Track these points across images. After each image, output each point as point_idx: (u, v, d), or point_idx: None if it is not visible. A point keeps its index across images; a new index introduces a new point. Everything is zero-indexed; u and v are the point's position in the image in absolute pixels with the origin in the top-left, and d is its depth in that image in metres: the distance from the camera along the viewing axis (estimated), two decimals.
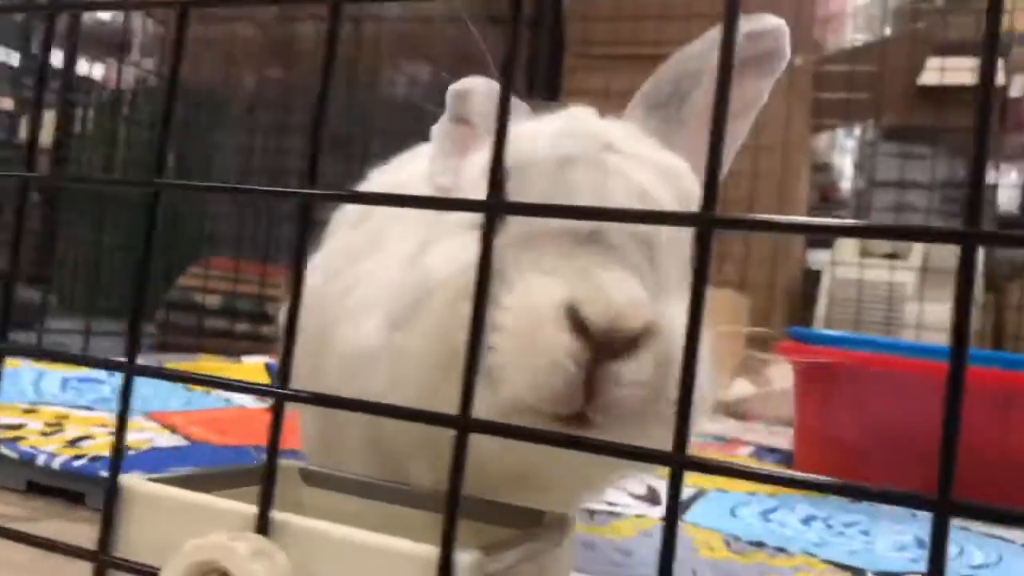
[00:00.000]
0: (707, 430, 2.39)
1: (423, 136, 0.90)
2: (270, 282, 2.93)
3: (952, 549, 1.34)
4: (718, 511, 1.41)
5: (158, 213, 0.58)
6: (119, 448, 0.60)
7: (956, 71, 3.90)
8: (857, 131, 4.58)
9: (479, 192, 0.74)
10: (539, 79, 3.92)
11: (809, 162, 4.07)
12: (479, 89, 0.82)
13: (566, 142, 0.69)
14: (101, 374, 1.87)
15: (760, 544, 1.23)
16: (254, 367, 2.43)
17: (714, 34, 0.78)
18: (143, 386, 1.82)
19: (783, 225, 0.45)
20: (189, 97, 3.46)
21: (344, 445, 0.92)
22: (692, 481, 1.55)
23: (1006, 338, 3.44)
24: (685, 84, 0.80)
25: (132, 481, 0.62)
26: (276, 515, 0.59)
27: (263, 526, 0.58)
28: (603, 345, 0.56)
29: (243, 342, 2.80)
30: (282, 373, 0.54)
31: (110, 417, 1.53)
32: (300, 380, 1.05)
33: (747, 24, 0.77)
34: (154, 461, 1.30)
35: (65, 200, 3.12)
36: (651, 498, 1.43)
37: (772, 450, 2.12)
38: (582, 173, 0.67)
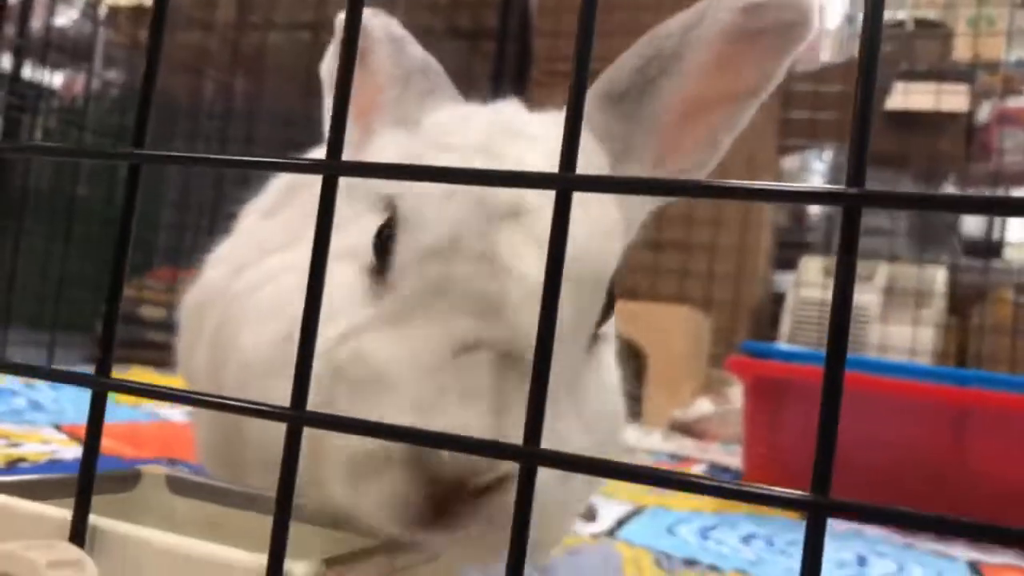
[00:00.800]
0: (662, 448, 2.33)
1: None
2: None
3: (889, 567, 1.29)
4: (654, 528, 1.35)
5: (137, 190, 0.50)
6: None
7: (921, 95, 3.90)
8: (827, 154, 4.58)
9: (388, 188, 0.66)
10: (504, 94, 3.87)
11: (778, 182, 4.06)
12: (377, 28, 0.76)
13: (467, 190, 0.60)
14: (16, 384, 1.78)
15: (693, 562, 1.16)
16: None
17: (701, 6, 0.70)
18: (60, 398, 1.74)
19: (936, 201, 0.37)
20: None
21: (243, 458, 0.84)
22: (630, 497, 1.49)
23: (969, 359, 3.41)
24: (652, 70, 0.71)
25: None
26: (97, 522, 0.52)
27: (79, 534, 0.51)
28: (451, 491, 0.51)
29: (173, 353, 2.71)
30: (297, 394, 0.46)
31: (15, 428, 1.45)
32: (199, 381, 0.98)
33: None
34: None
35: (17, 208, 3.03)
36: (588, 515, 1.37)
37: (725, 469, 2.07)
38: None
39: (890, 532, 1.53)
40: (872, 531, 1.52)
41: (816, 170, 5.07)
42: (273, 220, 0.92)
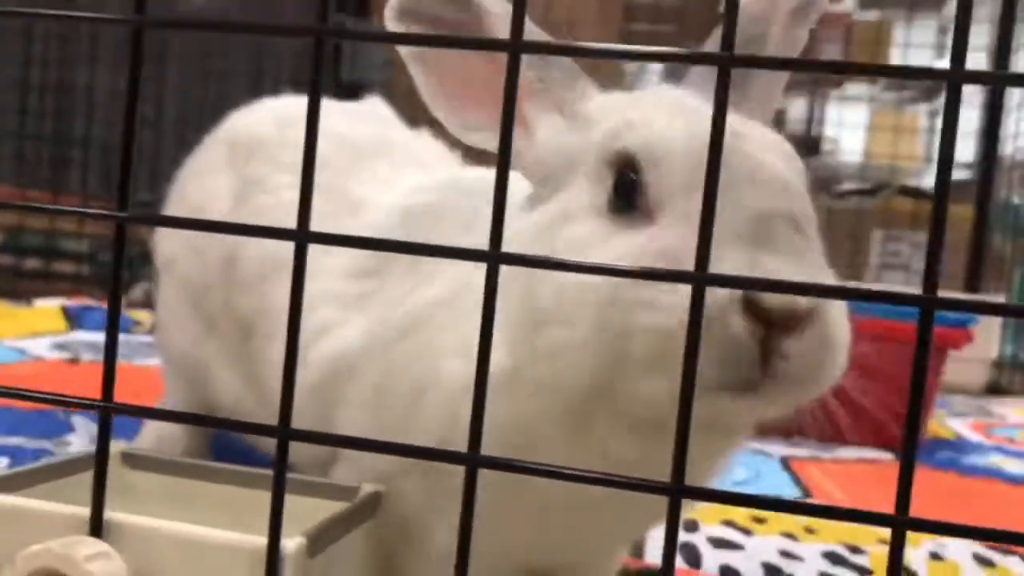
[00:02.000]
0: None
1: None
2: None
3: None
4: None
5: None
6: None
7: None
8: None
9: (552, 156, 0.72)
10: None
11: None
12: (496, 3, 0.76)
13: (696, 128, 0.68)
14: None
15: None
16: (48, 311, 2.30)
17: None
18: None
19: None
20: None
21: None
22: None
23: None
24: (750, 48, 0.81)
25: None
26: (109, 515, 0.63)
27: (96, 528, 0.62)
28: (775, 326, 0.61)
29: (32, 281, 2.64)
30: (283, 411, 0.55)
31: None
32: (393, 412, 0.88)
33: None
34: None
35: None
36: None
37: None
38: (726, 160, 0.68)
39: None
40: None
41: (654, 69, 5.28)
42: (374, 279, 0.92)
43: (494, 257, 0.54)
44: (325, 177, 0.76)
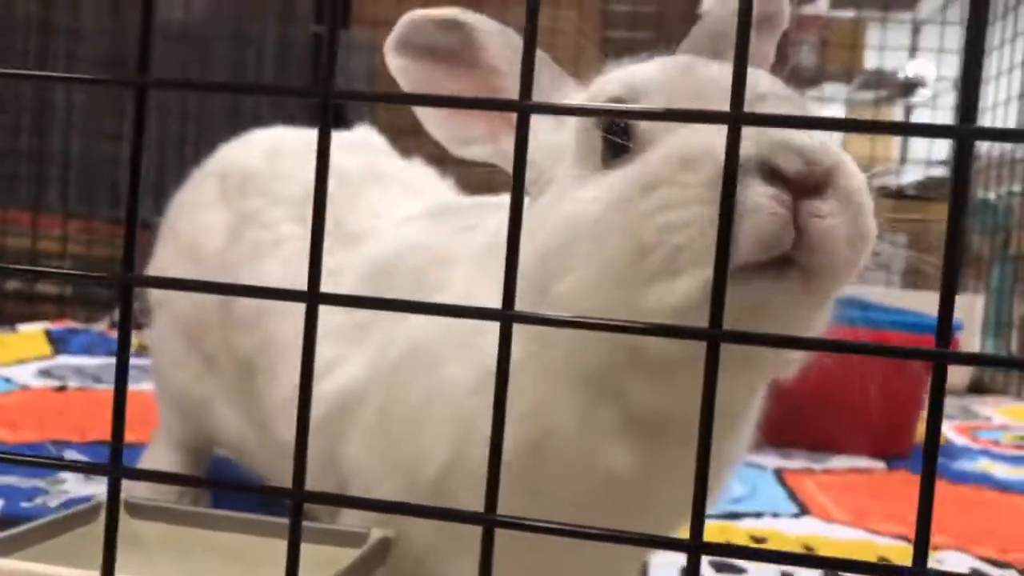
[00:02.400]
0: None
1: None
2: (43, 233, 2.73)
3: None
4: None
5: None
6: None
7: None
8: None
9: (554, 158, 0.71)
10: (326, 4, 3.79)
11: None
12: (481, 20, 0.78)
13: (671, 63, 0.69)
14: None
15: None
16: (32, 336, 2.26)
17: None
18: None
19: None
20: None
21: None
22: None
23: None
24: (719, 45, 0.82)
25: None
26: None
27: None
28: (799, 186, 0.58)
29: (14, 304, 2.60)
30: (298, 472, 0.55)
31: None
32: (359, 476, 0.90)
33: None
34: None
35: None
36: None
37: None
38: (706, 68, 0.67)
39: None
40: None
41: None
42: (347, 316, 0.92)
43: (507, 316, 0.54)
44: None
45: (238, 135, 1.18)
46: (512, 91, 0.74)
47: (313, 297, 0.58)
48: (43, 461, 0.61)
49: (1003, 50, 3.33)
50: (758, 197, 0.58)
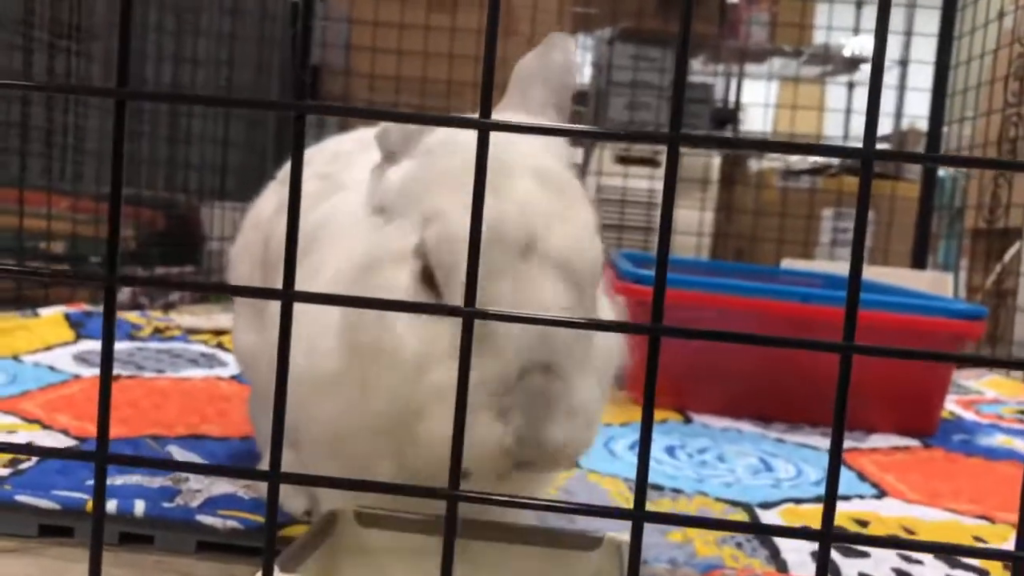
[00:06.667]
0: None
1: None
2: (58, 214, 2.63)
3: (790, 469, 1.52)
4: (599, 451, 1.47)
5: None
6: None
7: None
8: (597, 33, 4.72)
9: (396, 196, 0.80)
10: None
11: None
12: (392, 129, 0.88)
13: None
14: None
15: (659, 488, 1.32)
16: (54, 320, 2.19)
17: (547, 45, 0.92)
18: None
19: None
20: None
21: (305, 446, 0.94)
22: None
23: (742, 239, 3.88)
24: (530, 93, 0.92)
25: None
26: None
27: None
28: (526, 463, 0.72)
29: (33, 288, 2.49)
30: (275, 456, 0.58)
31: None
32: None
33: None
34: (71, 480, 1.11)
35: None
36: None
37: None
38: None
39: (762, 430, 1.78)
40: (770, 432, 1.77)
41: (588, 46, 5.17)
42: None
43: (468, 313, 0.57)
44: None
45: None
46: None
47: (288, 295, 0.62)
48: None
49: (973, 36, 3.37)
50: (495, 453, 0.71)
